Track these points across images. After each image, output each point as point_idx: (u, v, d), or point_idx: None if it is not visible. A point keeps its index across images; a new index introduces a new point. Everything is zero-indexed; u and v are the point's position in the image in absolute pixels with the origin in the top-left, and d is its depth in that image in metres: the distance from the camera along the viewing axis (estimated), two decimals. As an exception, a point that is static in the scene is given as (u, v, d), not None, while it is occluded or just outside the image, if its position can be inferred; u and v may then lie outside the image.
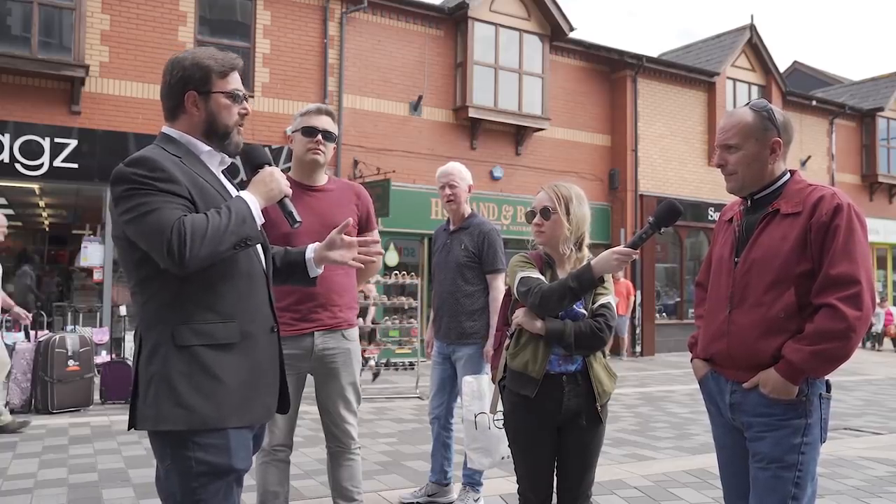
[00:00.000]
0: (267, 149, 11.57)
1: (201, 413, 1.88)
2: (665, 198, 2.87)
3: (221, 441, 1.91)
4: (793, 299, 2.20)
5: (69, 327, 10.21)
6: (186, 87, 2.02)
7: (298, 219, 2.11)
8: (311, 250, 2.26)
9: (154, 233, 1.82)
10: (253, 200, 1.96)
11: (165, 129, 2.08)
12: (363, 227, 3.34)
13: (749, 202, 2.42)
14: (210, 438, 1.90)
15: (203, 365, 1.90)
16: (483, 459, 3.22)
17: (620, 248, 2.56)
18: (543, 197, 2.77)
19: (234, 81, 2.08)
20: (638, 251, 2.57)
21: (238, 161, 2.21)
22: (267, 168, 2.07)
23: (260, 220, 1.97)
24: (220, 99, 2.04)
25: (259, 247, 2.11)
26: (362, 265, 2.26)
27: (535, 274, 2.70)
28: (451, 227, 4.26)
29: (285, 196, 2.08)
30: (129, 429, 2.01)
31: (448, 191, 4.19)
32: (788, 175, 2.38)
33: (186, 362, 1.89)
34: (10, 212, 14.58)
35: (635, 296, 15.25)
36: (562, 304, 2.59)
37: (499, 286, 4.01)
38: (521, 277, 2.69)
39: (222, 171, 2.17)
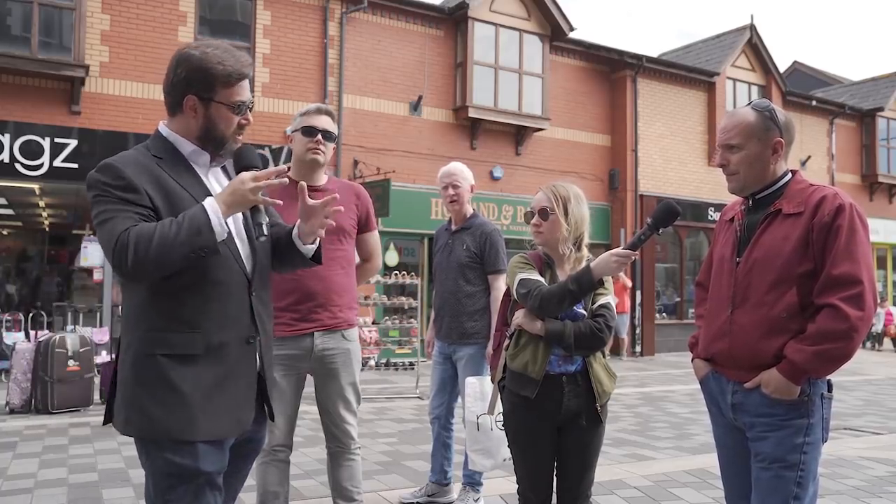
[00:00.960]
0: (268, 149, 11.58)
1: (162, 424, 1.86)
2: (665, 198, 2.87)
3: (189, 448, 1.89)
4: (795, 299, 2.20)
5: (69, 327, 10.23)
6: (188, 89, 1.95)
7: (266, 232, 1.98)
8: (296, 229, 2.13)
9: (106, 242, 1.81)
10: (215, 209, 1.84)
11: (160, 126, 2.04)
12: (363, 227, 3.34)
13: (750, 202, 2.41)
14: (178, 444, 1.88)
15: (163, 375, 1.87)
16: (485, 461, 3.21)
17: (619, 249, 2.55)
18: (541, 197, 2.77)
19: (240, 92, 1.99)
20: (637, 252, 2.57)
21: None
22: (240, 174, 1.92)
23: (222, 228, 1.85)
24: (222, 110, 1.97)
25: (246, 250, 2.03)
26: (332, 223, 2.09)
27: (535, 275, 2.69)
28: (453, 227, 4.25)
29: (258, 206, 1.93)
30: (103, 423, 2.04)
31: (451, 191, 4.18)
32: (790, 175, 2.38)
33: (148, 370, 1.87)
34: (10, 212, 14.59)
35: (633, 294, 15.26)
36: (561, 306, 2.59)
37: (500, 286, 4.00)
38: (521, 279, 2.69)
39: (223, 169, 2.11)
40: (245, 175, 1.91)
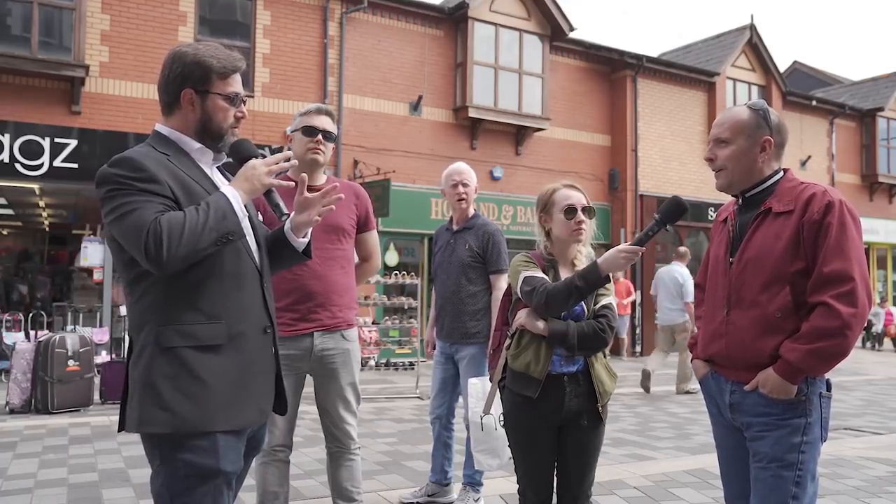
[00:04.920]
0: (268, 149, 11.59)
1: (185, 416, 1.85)
2: (665, 198, 2.87)
3: (209, 444, 1.88)
4: (788, 298, 2.20)
5: (69, 327, 10.23)
6: (184, 84, 1.99)
7: (286, 211, 2.06)
8: (290, 222, 2.17)
9: (132, 234, 1.80)
10: (234, 195, 1.91)
11: (158, 126, 2.06)
12: (362, 227, 3.34)
13: (741, 201, 2.42)
14: (197, 441, 1.87)
15: (187, 367, 1.87)
16: (490, 461, 3.21)
17: (626, 245, 2.54)
18: (580, 196, 2.77)
19: (235, 84, 2.05)
20: (644, 248, 2.57)
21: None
22: (250, 161, 2.00)
23: (242, 214, 1.92)
24: (218, 101, 2.01)
25: (253, 244, 2.08)
26: (333, 208, 2.13)
27: (539, 273, 2.70)
28: (455, 227, 4.26)
29: (272, 188, 2.01)
30: (118, 430, 2.00)
31: (461, 189, 4.18)
32: (781, 173, 2.38)
33: (170, 364, 1.86)
34: (10, 212, 14.60)
35: (635, 295, 15.26)
36: (568, 302, 2.58)
37: (502, 286, 4.00)
38: (525, 277, 2.69)
39: (219, 168, 2.14)
40: (255, 161, 2.00)
